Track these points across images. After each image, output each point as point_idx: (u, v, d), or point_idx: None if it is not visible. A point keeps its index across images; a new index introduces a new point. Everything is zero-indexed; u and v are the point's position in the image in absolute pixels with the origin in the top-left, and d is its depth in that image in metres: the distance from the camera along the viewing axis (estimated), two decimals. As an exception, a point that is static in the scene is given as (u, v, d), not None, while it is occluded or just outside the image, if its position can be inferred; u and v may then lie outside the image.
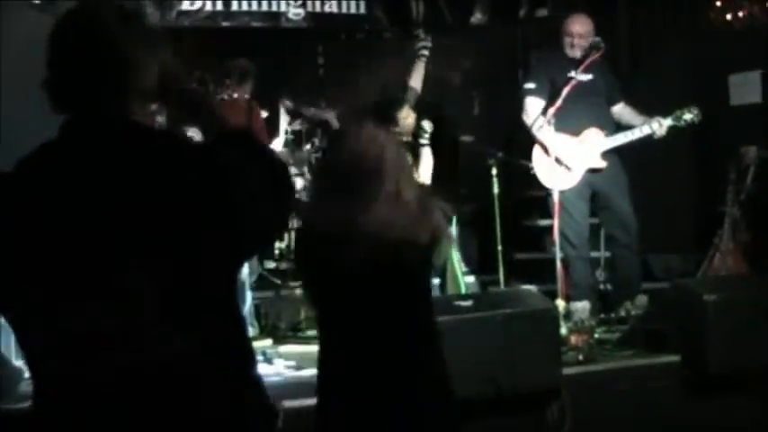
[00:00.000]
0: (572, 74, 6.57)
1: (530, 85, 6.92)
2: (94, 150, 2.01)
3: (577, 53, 6.72)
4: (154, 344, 1.94)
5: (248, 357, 2.18)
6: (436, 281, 6.86)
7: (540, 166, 6.75)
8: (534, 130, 6.70)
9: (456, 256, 6.73)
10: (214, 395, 2.03)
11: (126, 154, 2.00)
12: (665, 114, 6.71)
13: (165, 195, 1.97)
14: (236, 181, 2.05)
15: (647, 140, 6.72)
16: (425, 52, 6.84)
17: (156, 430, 1.98)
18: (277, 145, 7.45)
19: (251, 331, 6.57)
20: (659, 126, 6.64)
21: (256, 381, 2.19)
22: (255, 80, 7.11)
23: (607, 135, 6.74)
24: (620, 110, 6.92)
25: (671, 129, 6.67)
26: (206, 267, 2.00)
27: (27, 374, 4.96)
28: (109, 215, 1.94)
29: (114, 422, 1.95)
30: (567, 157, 6.65)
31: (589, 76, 6.72)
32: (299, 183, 7.58)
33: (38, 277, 1.96)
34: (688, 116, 6.65)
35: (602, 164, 6.71)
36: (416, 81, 6.81)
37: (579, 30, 6.76)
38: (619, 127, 6.82)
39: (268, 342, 6.59)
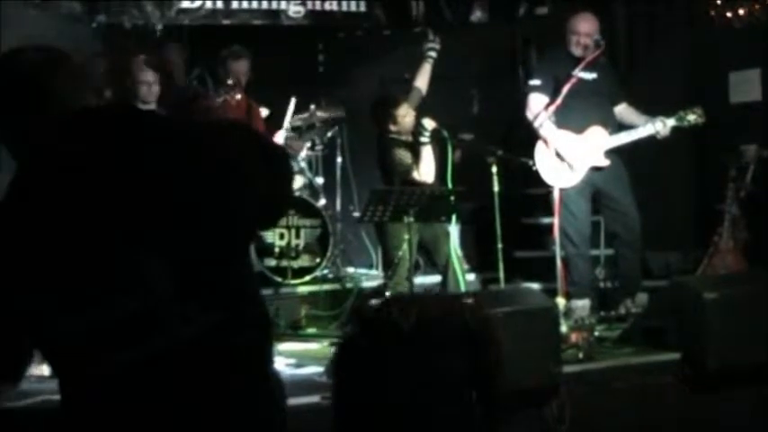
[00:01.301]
0: (575, 71, 6.59)
1: (534, 82, 6.93)
2: (96, 141, 2.03)
3: (582, 51, 6.72)
4: (171, 327, 1.97)
5: (264, 348, 2.21)
6: (438, 279, 6.87)
7: (543, 162, 6.76)
8: (537, 127, 6.72)
9: (457, 254, 6.74)
10: (231, 374, 2.06)
11: (127, 142, 2.03)
12: (666, 113, 6.71)
13: (168, 180, 2.00)
14: (237, 162, 2.08)
15: (650, 140, 6.72)
16: (433, 54, 6.84)
17: (178, 409, 2.00)
18: (278, 138, 7.43)
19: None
20: (663, 126, 6.64)
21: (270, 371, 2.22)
22: (250, 61, 7.08)
23: (610, 134, 6.74)
24: (623, 110, 6.92)
25: (674, 129, 6.67)
26: (214, 248, 2.02)
27: (26, 373, 4.96)
28: (117, 205, 1.97)
29: (139, 404, 1.99)
30: (569, 155, 6.66)
31: (593, 75, 6.73)
32: (298, 181, 7.59)
33: (54, 275, 1.98)
34: (692, 117, 6.64)
35: (604, 162, 6.72)
36: (422, 82, 6.82)
37: (585, 28, 6.76)
38: (621, 127, 6.82)
39: None
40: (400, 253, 6.28)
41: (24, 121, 2.09)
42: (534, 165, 6.79)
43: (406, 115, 6.64)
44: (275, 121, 7.46)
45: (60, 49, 2.21)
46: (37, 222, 2.01)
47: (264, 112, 7.46)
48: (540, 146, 6.78)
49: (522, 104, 7.03)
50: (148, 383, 1.97)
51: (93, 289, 1.96)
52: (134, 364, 1.96)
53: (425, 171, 6.56)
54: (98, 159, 2.01)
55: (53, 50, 2.20)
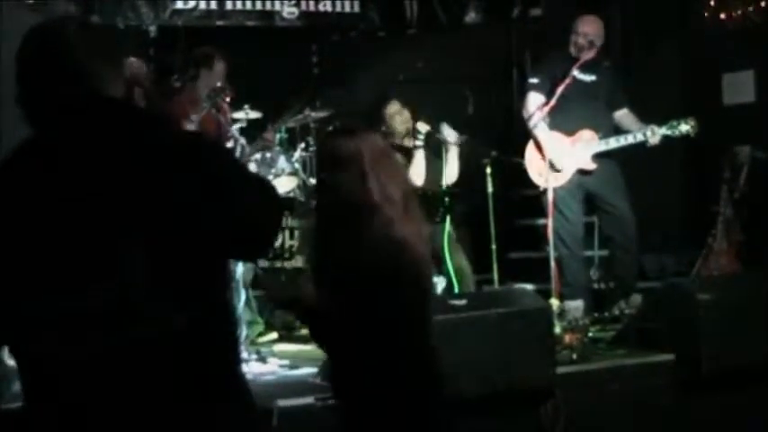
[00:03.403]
0: (573, 72, 6.58)
1: (533, 80, 6.95)
2: (86, 134, 2.04)
3: (577, 51, 6.72)
4: (141, 322, 1.98)
5: (233, 350, 2.22)
6: (442, 282, 6.85)
7: (532, 162, 6.78)
8: (530, 126, 6.73)
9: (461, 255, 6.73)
10: (198, 374, 2.06)
11: (121, 137, 2.04)
12: (660, 115, 6.71)
13: (161, 181, 2.00)
14: (228, 174, 2.10)
15: (640, 146, 6.71)
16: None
17: (142, 403, 2.00)
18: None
19: (257, 328, 6.58)
20: (652, 134, 6.61)
21: (237, 373, 2.23)
22: (226, 63, 6.97)
23: (601, 138, 6.73)
24: (622, 116, 6.88)
25: (664, 138, 6.64)
26: (195, 253, 2.03)
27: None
28: (104, 196, 1.98)
29: (105, 396, 1.99)
30: (556, 157, 6.67)
31: (592, 77, 6.73)
32: (293, 182, 7.58)
33: (30, 255, 1.99)
34: (684, 127, 6.61)
35: (591, 166, 6.71)
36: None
37: (582, 28, 6.75)
38: (618, 132, 6.80)
39: (274, 336, 6.61)
40: None
41: (53, 92, 2.09)
42: (524, 164, 6.81)
43: (395, 114, 6.61)
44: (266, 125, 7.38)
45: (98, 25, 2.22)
46: (22, 199, 2.02)
47: (255, 114, 7.45)
48: (530, 146, 6.80)
49: (520, 102, 7.03)
50: (114, 374, 1.98)
51: (68, 275, 1.97)
52: (102, 353, 1.97)
53: (415, 174, 6.51)
54: (96, 149, 2.02)
55: (93, 25, 2.21)
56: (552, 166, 6.64)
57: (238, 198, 2.07)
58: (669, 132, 6.62)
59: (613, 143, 6.72)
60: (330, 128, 3.23)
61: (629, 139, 6.69)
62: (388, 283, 2.83)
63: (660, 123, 6.65)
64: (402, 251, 2.84)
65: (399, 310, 2.86)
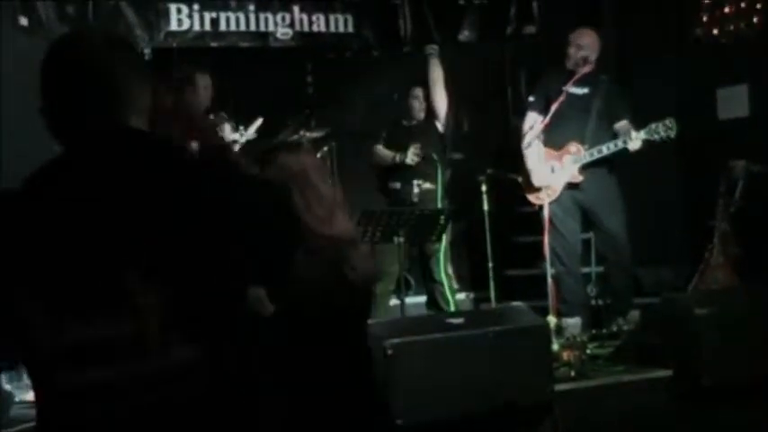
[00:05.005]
0: (565, 86, 6.59)
1: (530, 99, 6.97)
2: (102, 163, 2.02)
3: (572, 64, 6.73)
4: (158, 356, 1.95)
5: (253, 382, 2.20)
6: (422, 298, 6.89)
7: (524, 179, 6.81)
8: (523, 146, 6.74)
9: (447, 273, 6.74)
10: (218, 410, 2.03)
11: (136, 167, 2.01)
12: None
13: (177, 210, 1.98)
14: (250, 203, 2.08)
15: (638, 155, 6.68)
16: (433, 52, 7.06)
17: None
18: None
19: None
20: (631, 139, 6.58)
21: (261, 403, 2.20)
22: (209, 77, 6.98)
23: (587, 150, 6.70)
24: (621, 128, 6.82)
25: (646, 142, 6.60)
26: (214, 285, 2.01)
27: (17, 398, 4.94)
28: (117, 227, 1.95)
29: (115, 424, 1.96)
30: (544, 176, 6.69)
31: (584, 90, 6.72)
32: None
33: (46, 290, 1.97)
34: (662, 129, 6.56)
35: (578, 178, 6.70)
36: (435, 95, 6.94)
37: (576, 39, 6.77)
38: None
39: None
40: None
41: (83, 112, 2.05)
42: (520, 181, 6.84)
43: None
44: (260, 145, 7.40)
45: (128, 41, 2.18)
46: (40, 223, 1.99)
47: (253, 131, 7.45)
48: (523, 165, 6.82)
49: (515, 119, 7.06)
50: (118, 408, 1.96)
51: (81, 305, 1.95)
52: (107, 387, 1.95)
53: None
54: (121, 179, 1.99)
55: (122, 40, 2.18)
56: (540, 188, 6.68)
57: (259, 227, 2.05)
58: (648, 136, 6.56)
59: (597, 153, 6.68)
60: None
61: (611, 148, 6.63)
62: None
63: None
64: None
65: None
